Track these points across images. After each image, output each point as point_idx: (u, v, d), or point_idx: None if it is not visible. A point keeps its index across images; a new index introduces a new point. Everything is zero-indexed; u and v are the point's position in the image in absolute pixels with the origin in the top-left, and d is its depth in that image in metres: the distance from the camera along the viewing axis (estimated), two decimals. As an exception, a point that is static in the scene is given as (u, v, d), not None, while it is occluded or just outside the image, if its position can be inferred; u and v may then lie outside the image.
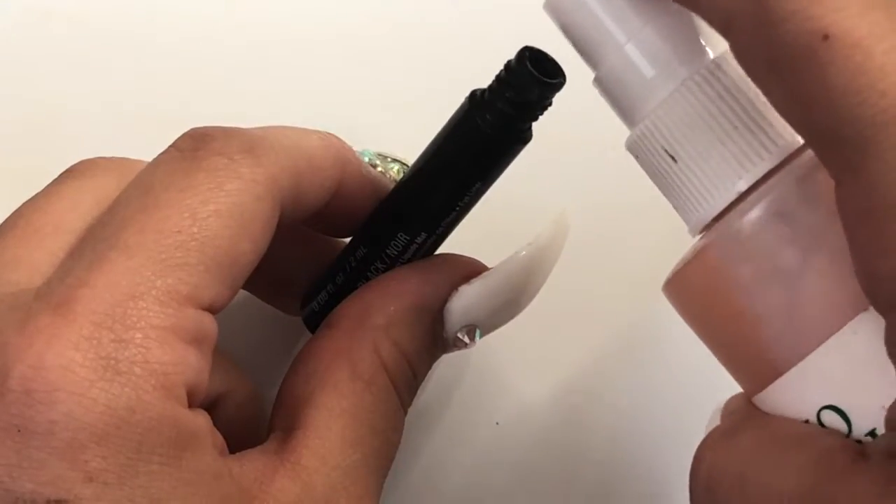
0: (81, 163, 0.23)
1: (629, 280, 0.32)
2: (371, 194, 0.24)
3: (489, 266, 0.25)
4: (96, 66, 0.32)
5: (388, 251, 0.24)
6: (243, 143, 0.21)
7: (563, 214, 0.24)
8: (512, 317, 0.25)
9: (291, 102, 0.32)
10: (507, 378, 0.31)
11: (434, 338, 0.24)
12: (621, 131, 0.22)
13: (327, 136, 0.23)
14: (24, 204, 0.22)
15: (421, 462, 0.30)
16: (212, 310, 0.20)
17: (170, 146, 0.21)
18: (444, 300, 0.24)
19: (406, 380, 0.23)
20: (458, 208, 0.23)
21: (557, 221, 0.24)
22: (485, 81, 0.22)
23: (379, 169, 0.27)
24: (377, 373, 0.22)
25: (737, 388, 0.22)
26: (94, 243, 0.20)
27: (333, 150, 0.23)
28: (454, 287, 0.24)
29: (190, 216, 0.19)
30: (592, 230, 0.31)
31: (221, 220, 0.20)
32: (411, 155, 0.24)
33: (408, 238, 0.23)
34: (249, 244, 0.20)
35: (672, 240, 0.32)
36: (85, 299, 0.18)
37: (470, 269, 0.24)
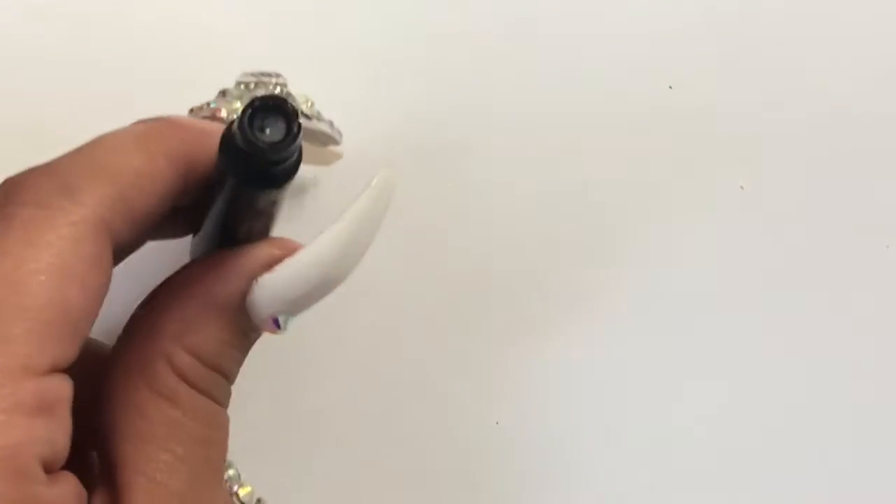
0: None
1: (630, 279, 0.32)
2: None
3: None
4: (96, 66, 0.32)
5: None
6: (55, 185, 0.20)
7: (386, 175, 0.22)
8: (328, 293, 0.23)
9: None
10: (506, 378, 0.31)
11: (237, 332, 0.22)
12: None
13: (156, 130, 0.22)
14: None
15: (420, 462, 0.30)
16: (56, 369, 0.19)
17: None
18: (242, 293, 0.22)
19: (211, 382, 0.22)
20: (241, 219, 0.22)
21: (379, 184, 0.22)
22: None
23: (222, 113, 0.26)
24: (176, 385, 0.21)
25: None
26: None
27: (165, 146, 0.22)
28: (252, 277, 0.22)
29: (6, 284, 0.19)
30: (587, 223, 0.32)
31: (41, 278, 0.19)
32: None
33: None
34: (78, 291, 0.20)
35: (683, 246, 0.32)
36: None
37: (272, 256, 0.23)
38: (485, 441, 0.30)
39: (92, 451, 0.21)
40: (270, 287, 0.22)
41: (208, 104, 0.28)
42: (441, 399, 0.31)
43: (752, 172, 0.33)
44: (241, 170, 0.20)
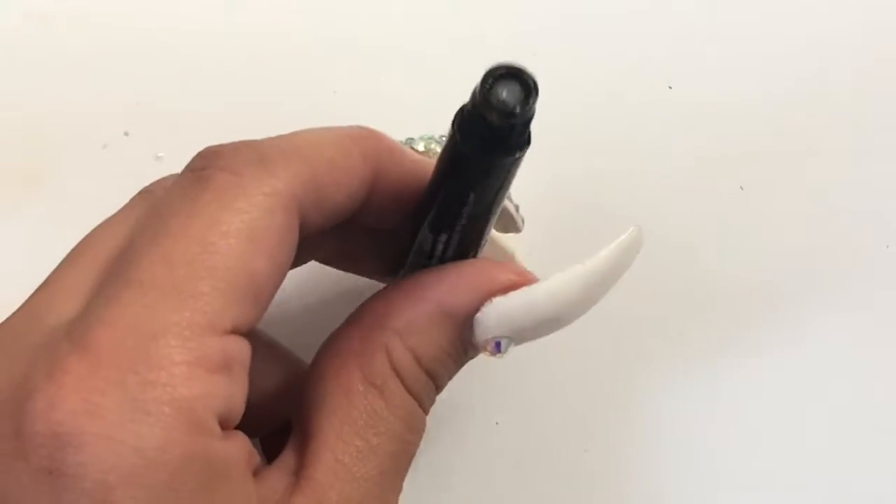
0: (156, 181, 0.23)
1: (635, 279, 0.32)
2: (419, 181, 0.23)
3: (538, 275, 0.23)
4: (96, 66, 0.32)
5: (422, 245, 0.23)
6: (252, 156, 0.21)
7: (636, 232, 0.22)
8: (553, 332, 0.23)
9: (291, 102, 0.32)
10: (507, 378, 0.31)
11: (458, 344, 0.23)
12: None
13: (355, 132, 0.23)
14: (96, 226, 0.22)
15: (421, 462, 0.30)
16: (237, 331, 0.20)
17: (184, 168, 0.21)
18: (473, 309, 0.23)
19: (422, 385, 0.22)
20: (464, 215, 0.22)
21: (628, 241, 0.22)
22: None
23: (421, 148, 0.27)
24: (389, 378, 0.22)
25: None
26: (113, 278, 0.20)
27: (361, 147, 0.22)
28: (487, 296, 0.23)
29: (198, 243, 0.19)
30: (585, 223, 0.32)
31: (231, 241, 0.20)
32: None
33: (432, 236, 0.23)
34: (265, 260, 0.20)
35: (683, 246, 0.32)
36: (107, 342, 0.18)
37: (510, 281, 0.23)
38: (485, 441, 0.30)
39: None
40: (502, 310, 0.22)
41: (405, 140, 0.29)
42: (441, 399, 0.31)
43: (752, 172, 0.33)
44: (482, 138, 0.20)
